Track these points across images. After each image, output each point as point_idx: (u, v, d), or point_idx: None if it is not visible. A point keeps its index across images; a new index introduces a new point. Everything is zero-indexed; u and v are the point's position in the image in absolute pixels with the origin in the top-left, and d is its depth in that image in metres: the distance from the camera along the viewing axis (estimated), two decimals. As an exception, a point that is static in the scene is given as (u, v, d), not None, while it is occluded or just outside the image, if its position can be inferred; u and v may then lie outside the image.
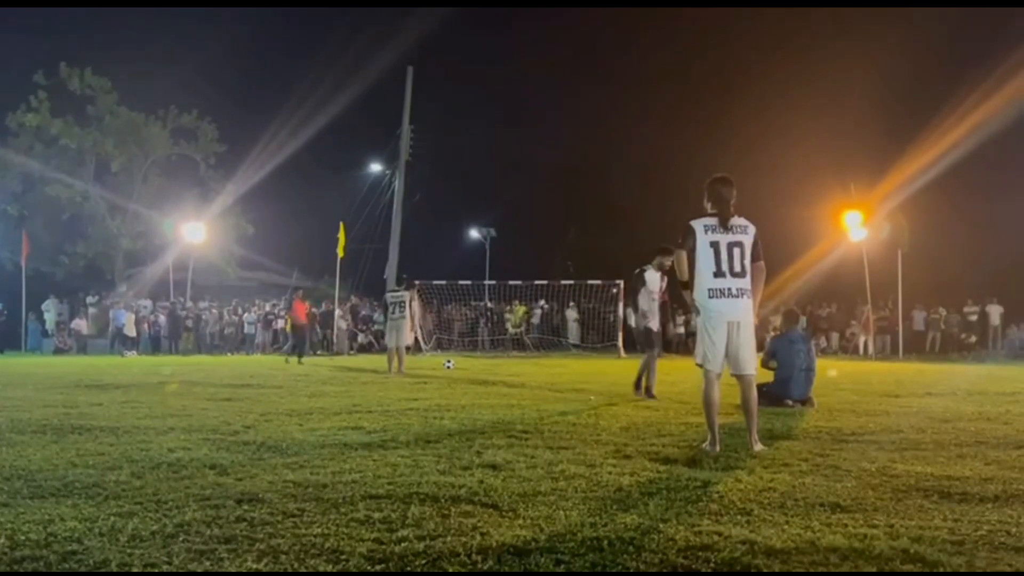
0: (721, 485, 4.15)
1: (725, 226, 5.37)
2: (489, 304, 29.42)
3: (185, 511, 3.56)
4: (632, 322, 9.70)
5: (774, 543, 3.09)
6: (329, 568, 2.84)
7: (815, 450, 5.32)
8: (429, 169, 34.10)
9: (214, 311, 28.75)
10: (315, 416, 7.26)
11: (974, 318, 25.76)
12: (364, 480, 4.25)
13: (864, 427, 6.56)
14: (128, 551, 2.99)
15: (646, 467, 4.69)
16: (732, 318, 5.32)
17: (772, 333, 14.97)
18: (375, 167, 33.71)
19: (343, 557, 2.93)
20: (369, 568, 2.84)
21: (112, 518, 3.43)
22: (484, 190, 52.35)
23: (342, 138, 44.44)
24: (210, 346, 27.84)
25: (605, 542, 3.10)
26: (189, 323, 27.86)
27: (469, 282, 29.50)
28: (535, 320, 28.49)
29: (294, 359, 18.59)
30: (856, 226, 23.62)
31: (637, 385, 9.45)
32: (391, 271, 28.79)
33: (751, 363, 5.42)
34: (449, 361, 16.83)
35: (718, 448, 5.25)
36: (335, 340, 27.19)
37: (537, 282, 28.48)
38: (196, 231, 29.19)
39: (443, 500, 3.79)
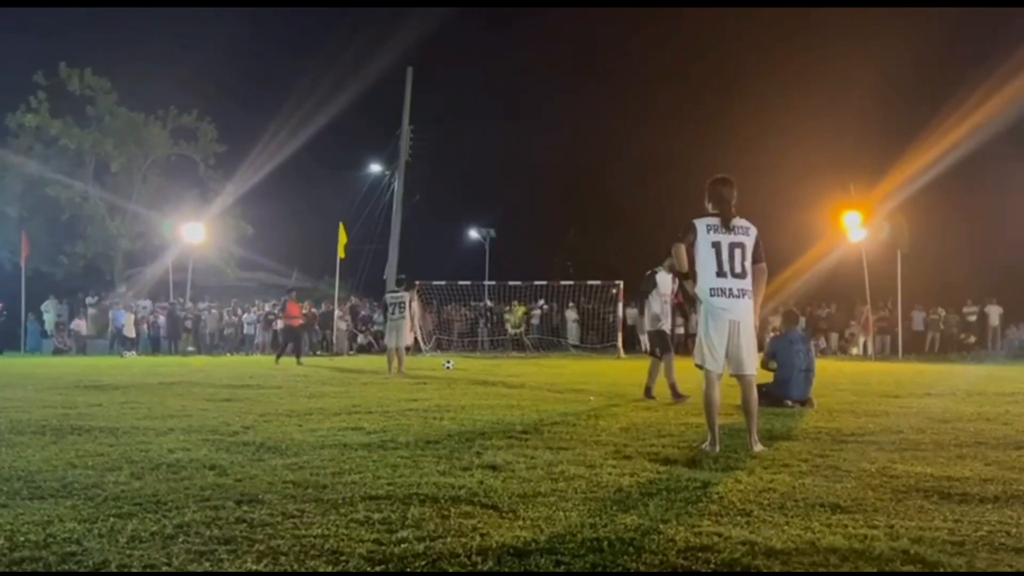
0: (721, 486, 4.15)
1: (727, 226, 5.37)
2: (489, 304, 29.42)
3: (184, 512, 3.55)
4: (645, 324, 9.53)
5: (774, 544, 3.09)
6: (329, 569, 2.84)
7: (815, 451, 5.32)
8: (429, 169, 34.16)
9: (213, 311, 28.74)
10: (315, 417, 7.26)
11: (973, 318, 25.77)
12: (364, 481, 4.25)
13: (864, 428, 6.56)
14: (127, 552, 2.99)
15: (646, 468, 4.69)
16: (733, 318, 5.32)
17: (772, 334, 14.98)
18: (375, 167, 33.73)
19: (343, 558, 2.93)
20: (369, 569, 2.84)
21: (111, 519, 3.42)
22: (484, 190, 52.43)
23: (342, 138, 44.50)
24: (209, 346, 27.83)
25: (605, 543, 3.10)
26: (188, 324, 27.86)
27: (469, 282, 29.52)
28: (535, 320, 28.49)
29: (291, 360, 18.55)
30: (855, 226, 23.63)
31: (674, 391, 8.91)
32: (390, 271, 28.78)
33: (751, 363, 5.42)
34: (449, 361, 16.82)
35: (718, 449, 5.25)
36: (334, 341, 27.18)
37: (537, 282, 28.48)
38: (195, 231, 29.19)
39: (443, 501, 3.78)
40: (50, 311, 28.93)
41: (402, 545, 3.06)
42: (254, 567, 2.85)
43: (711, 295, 5.35)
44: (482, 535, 3.20)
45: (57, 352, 26.29)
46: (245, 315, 28.42)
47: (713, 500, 3.84)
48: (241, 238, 34.27)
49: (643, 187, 38.21)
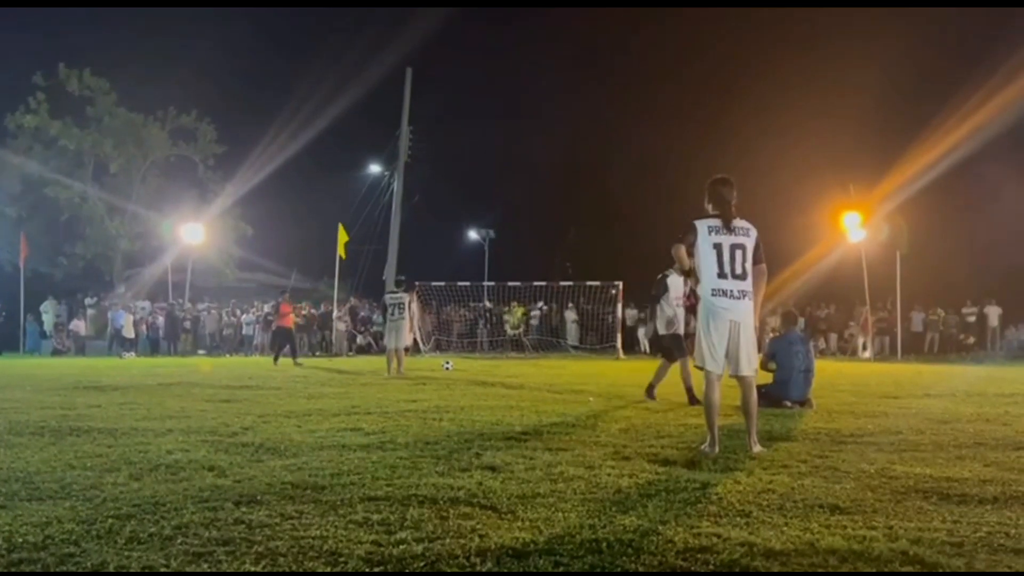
0: (720, 487, 4.15)
1: (728, 227, 5.37)
2: (488, 305, 29.41)
3: (183, 513, 3.55)
4: (659, 327, 9.46)
5: (773, 545, 3.09)
6: (327, 570, 2.84)
7: (814, 452, 5.32)
8: (428, 170, 34.13)
9: (213, 312, 28.73)
10: (314, 417, 7.26)
11: (972, 319, 25.77)
12: (362, 482, 4.25)
13: (863, 428, 6.56)
14: (126, 553, 2.99)
15: (645, 469, 4.69)
16: (733, 318, 5.32)
17: (772, 334, 14.97)
18: (374, 168, 33.70)
19: (341, 559, 2.93)
20: (367, 570, 2.84)
21: (110, 520, 3.42)
22: (483, 191, 52.44)
23: (341, 139, 44.50)
24: (209, 347, 27.82)
25: (604, 544, 3.10)
26: (187, 324, 27.85)
27: (468, 283, 29.51)
28: (534, 321, 28.49)
29: (290, 360, 18.55)
30: (855, 227, 23.63)
31: (690, 396, 8.66)
32: (390, 272, 28.77)
33: (751, 364, 5.42)
34: (448, 362, 16.81)
35: (717, 450, 5.25)
36: (333, 341, 27.18)
37: (536, 283, 28.48)
38: (195, 232, 29.18)
39: (442, 502, 3.78)
40: (49, 312, 28.91)
41: (401, 546, 3.06)
42: (252, 568, 2.84)
43: (712, 296, 5.35)
44: (481, 536, 3.20)
45: (56, 353, 26.28)
46: (244, 316, 28.40)
47: (712, 501, 3.84)
48: (240, 239, 34.28)
49: (643, 188, 38.25)
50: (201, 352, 27.18)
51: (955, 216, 28.23)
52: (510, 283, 28.63)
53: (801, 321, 20.34)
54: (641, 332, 27.56)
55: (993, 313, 25.39)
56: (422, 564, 2.88)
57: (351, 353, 26.46)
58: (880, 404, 8.69)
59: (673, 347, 9.28)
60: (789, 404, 8.23)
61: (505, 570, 2.85)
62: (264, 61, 57.74)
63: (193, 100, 33.50)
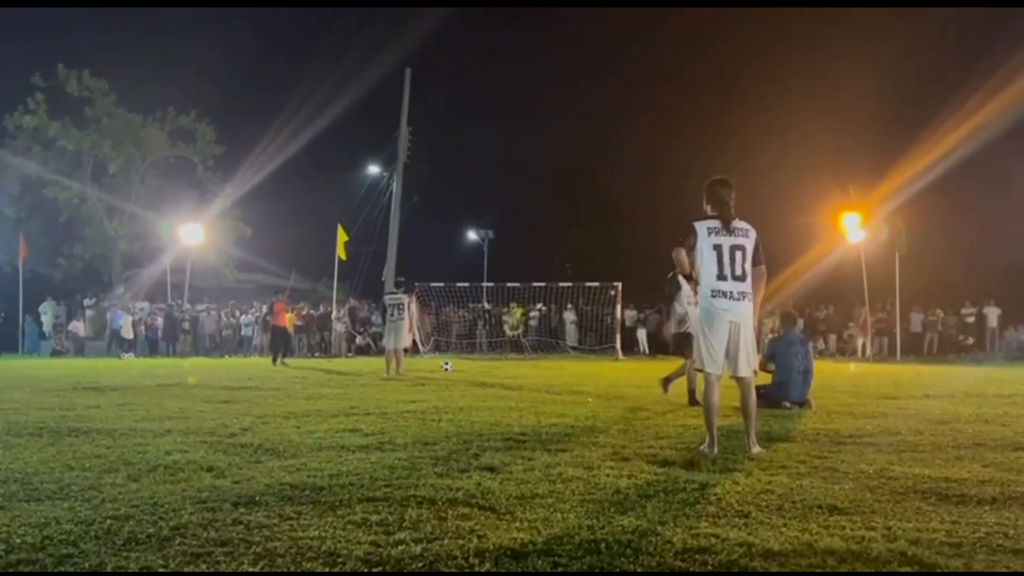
0: (719, 487, 4.15)
1: (727, 228, 5.37)
2: (487, 306, 29.41)
3: (181, 514, 3.55)
4: (671, 326, 9.44)
5: (772, 545, 3.09)
6: (326, 571, 2.83)
7: (813, 452, 5.32)
8: (427, 171, 34.15)
9: (212, 313, 28.71)
10: (312, 418, 7.25)
11: (972, 320, 25.77)
12: (361, 482, 4.25)
13: (862, 429, 6.56)
14: (124, 554, 2.98)
15: (644, 469, 4.69)
16: (733, 319, 5.32)
17: (770, 335, 14.97)
18: (373, 169, 33.69)
19: (340, 560, 2.93)
20: (366, 571, 2.84)
21: (108, 521, 3.42)
22: (482, 192, 52.50)
23: (340, 140, 44.58)
24: (208, 348, 27.80)
25: (603, 544, 3.09)
26: (186, 325, 27.83)
27: (467, 284, 29.50)
28: (533, 322, 28.49)
29: (289, 360, 18.60)
30: (854, 228, 23.65)
31: (691, 397, 8.57)
32: (389, 273, 28.76)
33: (750, 365, 5.42)
34: (447, 363, 16.81)
35: (716, 450, 5.25)
36: (332, 342, 27.17)
37: (535, 284, 28.48)
38: (194, 233, 29.17)
39: (440, 503, 3.78)
40: (48, 313, 28.88)
41: (399, 547, 3.06)
42: (251, 569, 2.84)
43: (711, 297, 5.35)
44: (480, 537, 3.20)
45: (55, 354, 26.26)
46: (243, 317, 28.39)
47: (711, 502, 3.84)
48: (239, 240, 34.26)
49: (642, 188, 38.30)
50: (189, 354, 27.10)
51: (954, 217, 28.29)
52: (509, 284, 28.63)
53: (800, 322, 20.34)
54: (641, 333, 27.61)
55: (992, 314, 25.40)
56: (421, 565, 2.88)
57: (350, 354, 26.46)
58: (879, 405, 8.70)
59: (683, 346, 9.26)
60: (788, 405, 8.23)
61: (504, 571, 2.85)
62: (263, 62, 57.85)
63: (192, 101, 33.58)
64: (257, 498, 3.87)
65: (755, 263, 5.43)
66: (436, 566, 2.87)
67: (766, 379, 8.34)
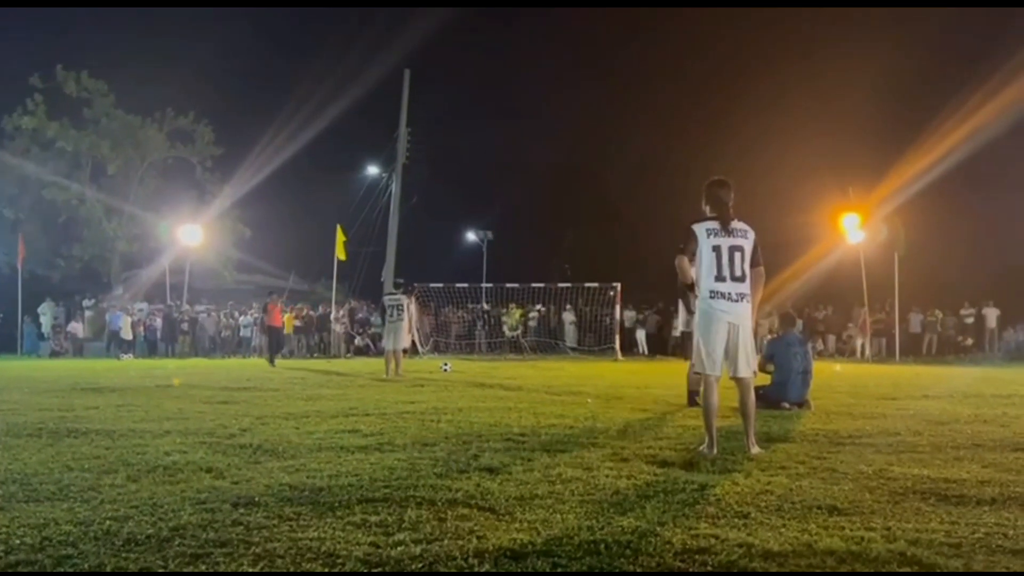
0: (718, 488, 4.15)
1: (726, 229, 5.37)
2: (486, 307, 29.40)
3: (180, 515, 3.55)
4: (679, 324, 9.40)
5: (771, 546, 3.09)
6: (325, 571, 2.83)
7: (812, 453, 5.32)
8: (426, 171, 34.11)
9: (212, 314, 28.69)
10: (312, 419, 7.25)
11: (971, 320, 25.78)
12: (361, 483, 4.25)
13: (861, 430, 6.56)
14: (123, 555, 2.98)
15: (643, 470, 4.69)
16: (732, 321, 5.32)
17: (769, 336, 14.97)
18: (372, 170, 33.70)
19: (339, 561, 2.93)
20: (365, 571, 2.83)
21: (107, 522, 3.42)
22: (481, 193, 52.42)
23: (339, 141, 44.51)
24: (208, 349, 27.79)
25: (602, 545, 3.09)
26: (185, 326, 27.81)
27: (466, 285, 29.49)
28: (532, 323, 28.48)
29: (287, 361, 18.64)
30: (853, 229, 23.65)
31: (691, 397, 8.47)
32: (388, 274, 28.76)
33: (749, 366, 5.42)
34: (446, 364, 16.81)
35: (715, 451, 5.25)
36: (332, 343, 27.16)
37: (534, 285, 28.48)
38: (192, 234, 29.15)
39: (440, 503, 3.78)
40: (47, 314, 28.88)
41: (399, 548, 3.06)
42: (250, 570, 2.84)
43: (710, 298, 5.35)
44: (479, 537, 3.20)
45: (54, 355, 26.25)
46: (242, 318, 28.38)
47: (710, 502, 3.84)
48: (238, 240, 34.25)
49: (641, 189, 38.34)
50: (188, 355, 27.08)
51: (953, 218, 28.28)
52: (508, 285, 28.63)
53: (799, 323, 20.33)
54: (640, 333, 27.61)
55: (991, 315, 25.41)
56: (420, 565, 2.88)
57: (349, 355, 26.45)
58: (878, 405, 8.70)
59: (689, 345, 9.24)
60: (787, 405, 8.23)
61: (503, 571, 2.85)
62: (262, 62, 57.79)
63: (191, 101, 33.58)
64: (256, 499, 3.86)
65: (754, 264, 5.44)
66: (435, 567, 2.87)
67: (765, 380, 8.35)
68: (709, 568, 2.87)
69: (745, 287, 5.37)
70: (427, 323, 27.51)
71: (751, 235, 5.45)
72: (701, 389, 5.48)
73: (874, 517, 3.58)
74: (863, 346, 24.67)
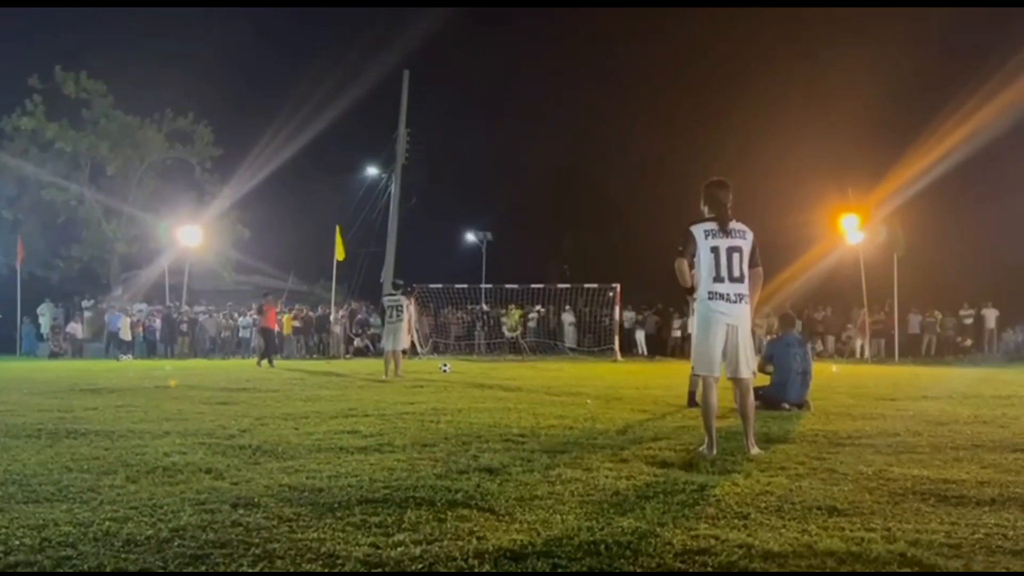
0: (718, 489, 4.15)
1: (724, 230, 5.37)
2: (485, 308, 29.39)
3: (180, 515, 3.55)
4: (690, 325, 9.38)
5: (771, 547, 3.09)
6: (325, 572, 2.83)
7: (812, 453, 5.32)
8: (425, 172, 34.11)
9: (214, 316, 28.66)
10: (311, 420, 7.25)
11: (970, 321, 25.79)
12: (360, 484, 4.24)
13: (860, 430, 6.56)
14: (123, 556, 2.98)
15: (643, 471, 4.69)
16: (730, 322, 5.32)
17: (768, 337, 14.97)
18: (371, 171, 33.70)
19: (339, 561, 2.92)
20: (365, 572, 2.83)
21: (107, 523, 3.41)
22: (481, 193, 52.40)
23: (338, 142, 44.50)
24: (207, 350, 27.76)
25: (602, 546, 3.09)
26: (184, 327, 27.80)
27: (465, 286, 29.47)
28: (531, 324, 28.47)
29: (285, 362, 18.67)
30: (852, 230, 23.65)
31: (691, 397, 8.40)
32: (387, 275, 28.76)
33: (749, 367, 5.42)
34: (445, 365, 16.81)
35: (715, 452, 5.25)
36: (331, 344, 27.16)
37: (533, 286, 28.47)
38: (192, 235, 29.14)
39: (439, 504, 3.78)
40: (46, 314, 28.87)
41: (398, 548, 3.06)
42: (250, 570, 2.84)
43: (709, 299, 5.35)
44: (479, 538, 3.20)
45: (53, 356, 26.22)
46: (241, 319, 28.37)
47: (710, 503, 3.84)
48: (238, 241, 34.23)
49: (640, 190, 38.34)
50: (187, 356, 27.06)
51: (952, 219, 28.30)
52: (507, 285, 28.61)
53: (799, 323, 20.32)
54: (639, 334, 27.61)
55: (990, 315, 25.42)
56: (420, 566, 2.88)
57: (348, 356, 26.44)
58: (877, 406, 8.70)
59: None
60: (787, 406, 8.23)
61: (503, 572, 2.85)
62: (261, 63, 57.86)
63: (190, 102, 33.60)
64: (256, 500, 3.86)
65: (752, 265, 5.44)
66: (435, 567, 2.87)
67: (764, 380, 8.35)
68: (709, 569, 2.87)
69: (743, 288, 5.37)
70: (426, 324, 27.51)
71: (749, 235, 5.45)
72: (699, 390, 5.47)
73: (874, 518, 3.58)
74: (862, 347, 24.66)
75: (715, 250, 5.34)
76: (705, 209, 5.54)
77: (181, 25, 48.56)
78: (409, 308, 15.08)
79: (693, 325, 8.96)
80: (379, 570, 2.85)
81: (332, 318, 27.42)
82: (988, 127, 25.68)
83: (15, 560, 2.93)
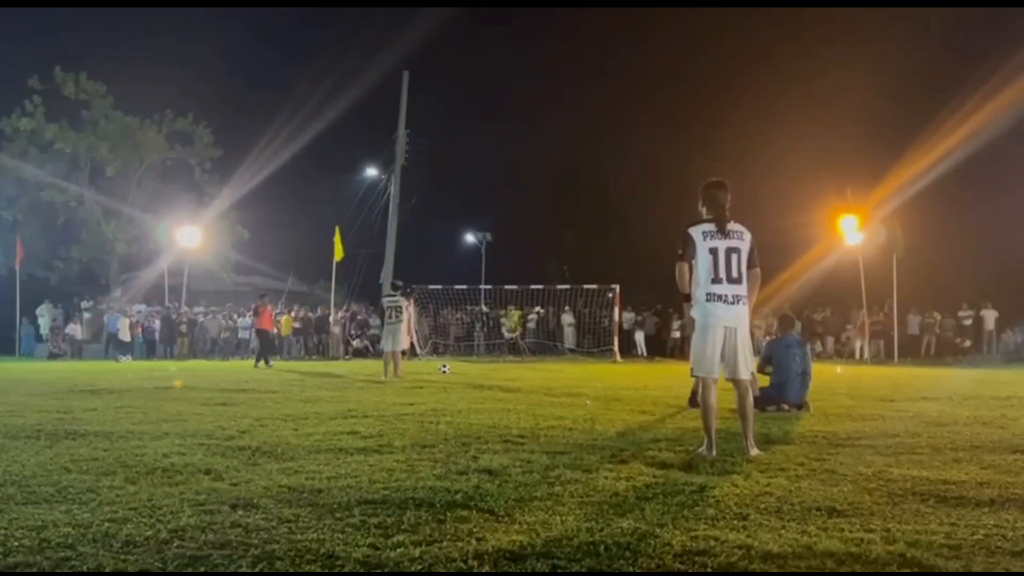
0: (717, 490, 4.15)
1: (722, 231, 5.37)
2: (485, 308, 29.39)
3: (179, 516, 3.54)
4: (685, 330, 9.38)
5: (770, 548, 3.09)
6: (324, 573, 2.83)
7: (811, 454, 5.32)
8: (425, 173, 34.09)
9: (218, 317, 28.62)
10: (310, 421, 7.24)
11: (969, 322, 25.79)
12: (359, 485, 4.24)
13: (860, 431, 6.56)
14: (122, 557, 2.98)
15: (642, 472, 4.69)
16: (728, 324, 5.32)
17: (767, 337, 14.96)
18: (371, 171, 33.70)
19: (338, 562, 2.92)
20: (364, 573, 2.83)
21: (106, 524, 3.41)
22: (480, 194, 52.41)
23: (338, 142, 44.49)
24: (207, 351, 27.75)
25: (601, 547, 3.09)
26: (183, 328, 27.79)
27: (465, 286, 29.47)
28: (531, 325, 28.47)
29: (284, 362, 18.70)
30: (852, 231, 23.65)
31: (693, 397, 8.23)
32: (386, 276, 28.76)
33: (747, 368, 5.42)
34: (445, 365, 16.81)
35: (714, 453, 5.25)
36: (330, 344, 27.16)
37: (533, 286, 28.45)
38: (191, 236, 29.12)
39: (439, 505, 3.78)
40: (45, 315, 28.85)
41: (398, 549, 3.06)
42: (249, 571, 2.84)
43: (707, 301, 5.34)
44: (478, 539, 3.20)
45: (52, 356, 26.21)
46: (240, 320, 28.35)
47: (709, 504, 3.84)
48: (237, 242, 34.22)
49: (640, 190, 38.33)
50: (187, 357, 27.04)
51: (951, 220, 28.32)
52: (507, 286, 28.60)
53: (798, 324, 20.32)
54: (639, 335, 27.62)
55: (989, 316, 25.43)
56: (419, 567, 2.88)
57: (348, 356, 26.44)
58: (877, 407, 8.70)
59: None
60: (786, 407, 8.23)
61: (502, 573, 2.85)
62: (261, 64, 57.88)
63: (189, 103, 33.59)
64: (255, 501, 3.86)
65: (750, 266, 5.44)
66: (434, 568, 2.87)
67: (764, 381, 8.35)
68: (708, 570, 2.87)
69: (742, 289, 5.37)
70: (425, 325, 27.51)
71: (747, 236, 5.45)
72: (699, 390, 5.47)
73: (873, 519, 3.58)
74: (861, 348, 24.67)
75: (713, 251, 5.34)
76: (703, 210, 5.54)
77: (181, 25, 48.54)
78: (408, 309, 15.08)
79: (687, 327, 9.01)
80: (378, 571, 2.85)
81: (331, 319, 27.42)
82: (987, 128, 25.70)
83: (14, 561, 2.93)
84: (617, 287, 26.60)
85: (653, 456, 5.25)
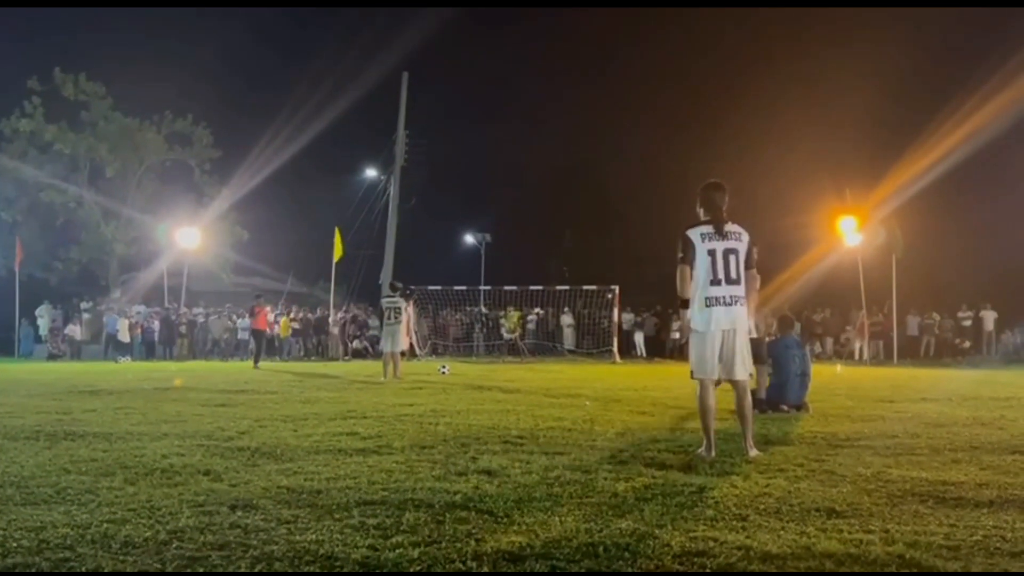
0: (716, 491, 4.15)
1: (720, 233, 5.37)
2: (484, 309, 29.38)
3: (179, 517, 3.54)
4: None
5: (770, 548, 3.09)
6: (323, 573, 2.83)
7: (810, 455, 5.33)
8: (424, 174, 34.11)
9: (221, 318, 28.60)
10: (309, 422, 7.24)
11: (968, 323, 25.79)
12: (359, 486, 4.24)
13: (859, 432, 6.56)
14: (121, 558, 2.98)
15: (641, 473, 4.69)
16: (727, 326, 5.32)
17: (767, 338, 14.96)
18: (371, 172, 33.71)
19: (337, 563, 2.92)
20: (363, 573, 2.83)
21: (105, 525, 3.41)
22: (479, 195, 52.45)
23: (337, 143, 44.45)
24: (206, 352, 27.73)
25: (600, 548, 3.09)
26: (183, 329, 27.77)
27: (464, 287, 29.46)
28: (530, 325, 28.46)
29: (280, 363, 18.73)
30: (851, 232, 23.65)
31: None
32: (386, 276, 28.76)
33: (745, 369, 5.42)
34: (444, 366, 16.80)
35: (713, 453, 5.25)
36: (329, 345, 27.15)
37: (532, 287, 28.43)
38: (190, 236, 29.11)
39: (438, 506, 3.78)
40: (44, 316, 28.83)
41: (397, 551, 3.06)
42: (248, 572, 2.84)
43: (706, 303, 5.34)
44: (477, 540, 3.20)
45: (51, 357, 26.19)
46: (240, 320, 28.33)
47: (709, 505, 3.84)
48: (236, 243, 34.21)
49: (640, 191, 38.30)
50: (186, 358, 26.99)
51: (950, 221, 28.32)
52: (506, 287, 28.59)
53: (797, 325, 20.30)
54: (638, 336, 27.61)
55: (989, 317, 25.43)
56: (418, 568, 2.88)
57: (347, 357, 26.44)
58: (876, 408, 8.70)
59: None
60: (785, 408, 8.23)
61: (501, 573, 2.85)
62: (261, 65, 57.88)
63: (189, 104, 33.60)
64: (254, 502, 3.86)
65: (748, 267, 5.44)
66: (434, 569, 2.87)
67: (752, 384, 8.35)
68: (708, 570, 2.87)
69: (740, 290, 5.37)
70: (425, 326, 27.50)
71: (745, 237, 5.45)
72: (697, 391, 5.47)
73: (872, 520, 3.58)
74: (861, 348, 24.67)
75: (711, 253, 5.34)
76: (701, 212, 5.54)
77: (181, 26, 48.60)
78: (407, 310, 15.08)
79: (685, 331, 9.02)
80: (377, 572, 2.85)
81: (331, 320, 27.41)
82: (987, 128, 25.70)
83: (13, 562, 2.93)
84: (616, 288, 26.58)
85: (652, 457, 5.25)
